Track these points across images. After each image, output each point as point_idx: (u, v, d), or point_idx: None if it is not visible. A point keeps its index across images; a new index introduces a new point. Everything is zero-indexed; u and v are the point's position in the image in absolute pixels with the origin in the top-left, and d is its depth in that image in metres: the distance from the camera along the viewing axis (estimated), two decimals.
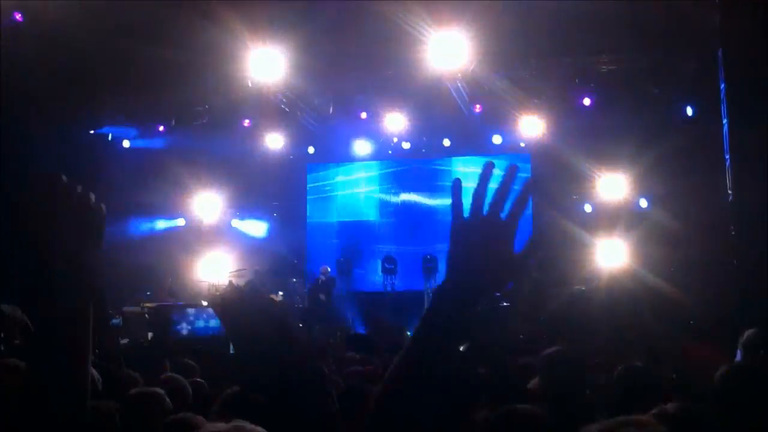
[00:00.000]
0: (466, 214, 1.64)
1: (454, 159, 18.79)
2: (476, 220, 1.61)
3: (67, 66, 14.38)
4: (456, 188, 1.65)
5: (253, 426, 1.86)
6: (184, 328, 14.34)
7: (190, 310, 14.74)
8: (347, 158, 19.45)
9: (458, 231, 1.62)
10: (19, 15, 12.66)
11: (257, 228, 19.71)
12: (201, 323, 14.48)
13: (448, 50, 14.00)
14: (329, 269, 17.38)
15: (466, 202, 1.64)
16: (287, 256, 19.11)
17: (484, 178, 1.62)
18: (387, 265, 18.03)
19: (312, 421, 1.92)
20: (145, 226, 18.34)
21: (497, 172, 1.63)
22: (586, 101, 15.82)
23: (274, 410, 1.90)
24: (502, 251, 1.60)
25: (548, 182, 17.25)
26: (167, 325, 13.93)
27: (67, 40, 13.73)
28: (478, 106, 16.56)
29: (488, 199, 1.62)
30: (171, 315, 14.29)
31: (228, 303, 1.98)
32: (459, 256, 1.63)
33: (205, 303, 15.44)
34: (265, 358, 1.92)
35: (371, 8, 13.28)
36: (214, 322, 14.08)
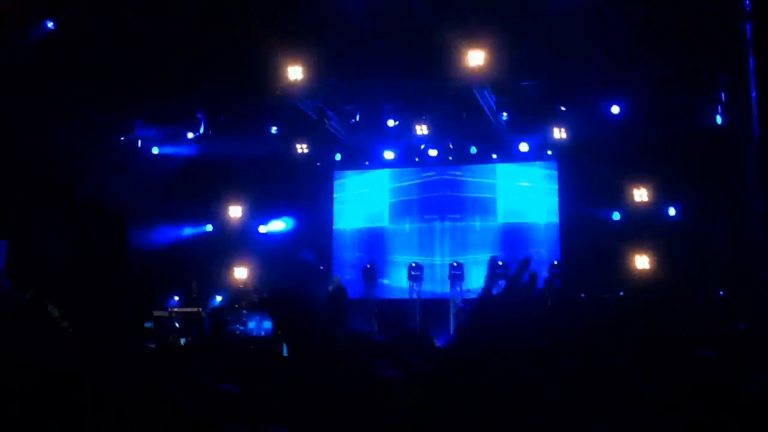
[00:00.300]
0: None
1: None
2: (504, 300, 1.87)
3: (98, 72, 14.55)
4: (491, 266, 1.92)
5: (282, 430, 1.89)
6: (237, 329, 14.53)
7: (244, 312, 14.94)
8: (374, 165, 19.47)
9: (484, 304, 1.87)
10: (51, 23, 12.83)
11: (283, 234, 19.77)
12: (252, 324, 14.67)
13: (475, 58, 14.02)
14: (340, 279, 17.35)
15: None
16: (313, 262, 19.14)
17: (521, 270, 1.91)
18: (413, 272, 18.03)
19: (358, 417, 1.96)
20: (172, 231, 18.49)
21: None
22: (615, 109, 15.74)
23: (324, 408, 1.94)
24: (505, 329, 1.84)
25: (575, 190, 17.19)
26: (222, 326, 14.09)
27: (100, 47, 13.91)
28: (505, 113, 16.52)
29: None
30: (226, 316, 14.47)
31: (283, 305, 2.03)
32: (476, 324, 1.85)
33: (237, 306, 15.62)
34: (318, 359, 1.97)
35: (399, 17, 13.35)
36: (266, 324, 14.25)
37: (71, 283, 1.85)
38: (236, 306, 15.89)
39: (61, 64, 13.95)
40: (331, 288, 16.99)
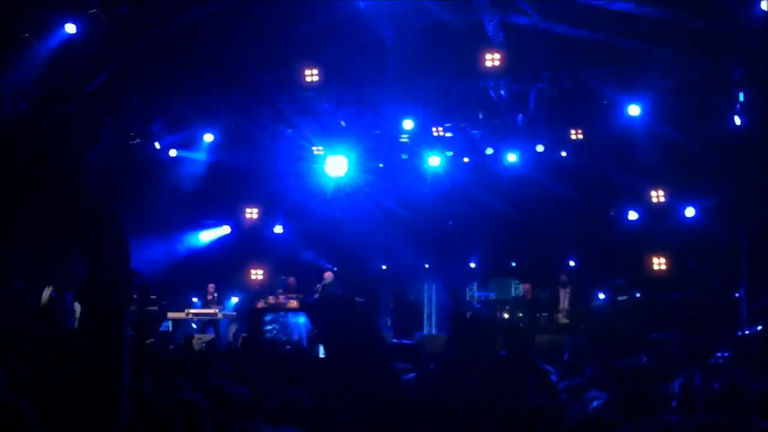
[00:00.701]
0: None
1: None
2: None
3: (115, 75, 14.64)
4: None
5: None
6: (272, 330, 14.64)
7: (282, 313, 15.05)
8: (390, 167, 19.46)
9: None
10: (73, 27, 12.91)
11: (299, 235, 19.80)
12: (288, 326, 14.77)
13: (491, 60, 14.05)
14: (332, 276, 17.36)
15: None
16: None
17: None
18: (430, 272, 18.07)
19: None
20: (190, 233, 18.57)
21: None
22: (633, 110, 15.62)
23: (356, 413, 1.98)
24: None
25: (593, 190, 17.15)
26: (260, 326, 14.17)
27: (117, 49, 14.01)
28: (521, 114, 16.47)
29: None
30: (263, 317, 14.55)
31: (322, 308, 2.07)
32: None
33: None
34: (355, 362, 2.00)
35: (416, 20, 13.39)
36: (301, 325, 14.34)
37: (77, 283, 1.97)
38: (254, 307, 15.99)
39: (78, 67, 14.05)
40: (318, 286, 16.97)
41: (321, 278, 17.52)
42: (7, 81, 12.88)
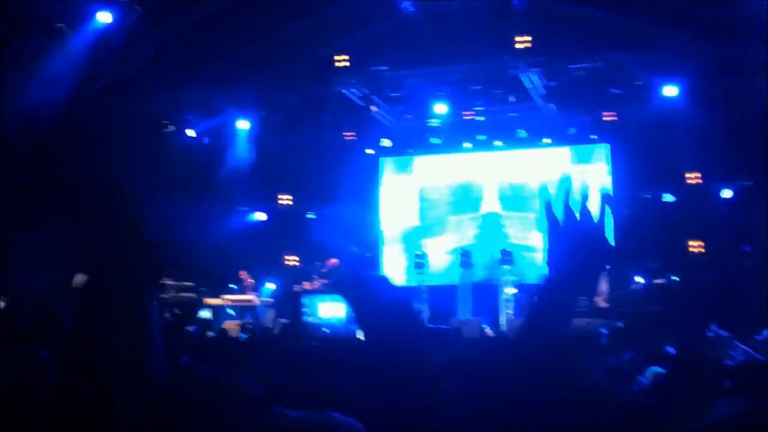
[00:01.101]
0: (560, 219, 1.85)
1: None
2: (572, 224, 1.84)
3: (149, 60, 14.71)
4: (545, 196, 1.89)
5: (342, 416, 1.92)
6: (310, 315, 14.71)
7: (316, 297, 15.10)
8: (423, 152, 19.45)
9: (557, 236, 1.84)
10: (108, 16, 12.98)
11: (332, 221, 19.82)
12: (327, 310, 14.82)
13: (522, 42, 13.96)
14: (336, 262, 17.32)
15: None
16: (359, 249, 19.17)
17: (566, 190, 1.86)
18: (464, 259, 18.04)
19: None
20: (224, 220, 18.66)
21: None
22: (669, 91, 15.42)
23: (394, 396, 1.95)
24: (600, 247, 1.84)
25: (628, 173, 17.00)
26: (299, 310, 14.21)
27: (147, 36, 14.09)
28: (553, 97, 16.34)
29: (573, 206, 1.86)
30: (301, 301, 14.59)
31: (359, 289, 2.05)
32: (561, 257, 1.83)
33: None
34: (394, 344, 1.98)
35: (442, 4, 13.33)
36: (341, 310, 14.37)
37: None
38: (292, 291, 16.06)
39: (110, 56, 14.13)
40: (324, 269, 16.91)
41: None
42: (38, 71, 13.00)
